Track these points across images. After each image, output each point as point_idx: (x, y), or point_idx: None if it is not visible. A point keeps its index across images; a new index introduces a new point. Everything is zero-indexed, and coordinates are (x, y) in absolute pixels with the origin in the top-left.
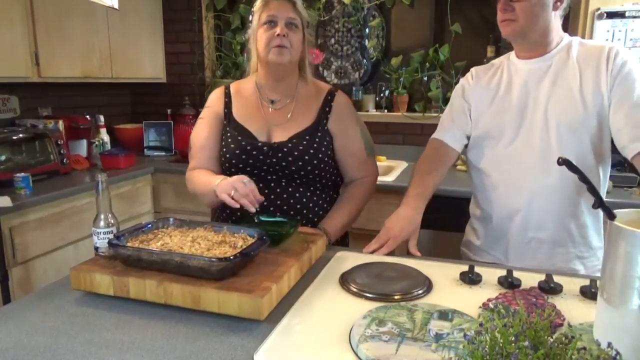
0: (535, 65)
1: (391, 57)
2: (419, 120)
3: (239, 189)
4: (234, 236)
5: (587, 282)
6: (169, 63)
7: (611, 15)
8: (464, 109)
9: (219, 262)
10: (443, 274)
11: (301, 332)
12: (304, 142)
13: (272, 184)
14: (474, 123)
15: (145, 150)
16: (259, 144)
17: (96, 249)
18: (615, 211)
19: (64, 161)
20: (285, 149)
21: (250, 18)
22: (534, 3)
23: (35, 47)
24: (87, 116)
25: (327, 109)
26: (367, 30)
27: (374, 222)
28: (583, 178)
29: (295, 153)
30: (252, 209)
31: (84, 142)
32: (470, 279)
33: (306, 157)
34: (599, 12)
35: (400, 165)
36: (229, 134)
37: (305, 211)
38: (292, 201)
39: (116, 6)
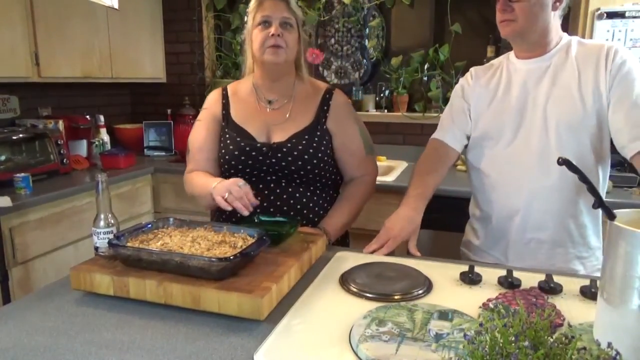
0: (535, 65)
1: (391, 57)
2: (419, 120)
3: (233, 192)
4: (234, 236)
5: (587, 282)
6: (169, 63)
7: (611, 15)
8: (464, 109)
9: (219, 262)
10: (443, 274)
11: (301, 332)
12: (303, 142)
13: (272, 185)
14: (473, 123)
15: (145, 150)
16: (258, 144)
17: (96, 249)
18: (615, 211)
19: (64, 161)
20: (284, 149)
21: (245, 19)
22: (533, 3)
23: (35, 47)
24: (87, 116)
25: (326, 107)
26: (367, 30)
27: (374, 222)
28: (583, 178)
29: (295, 153)
30: (245, 212)
31: (84, 142)
32: (470, 279)
33: (306, 157)
34: (599, 12)
35: (400, 165)
36: (227, 136)
37: (305, 211)
38: (292, 201)
39: (116, 6)
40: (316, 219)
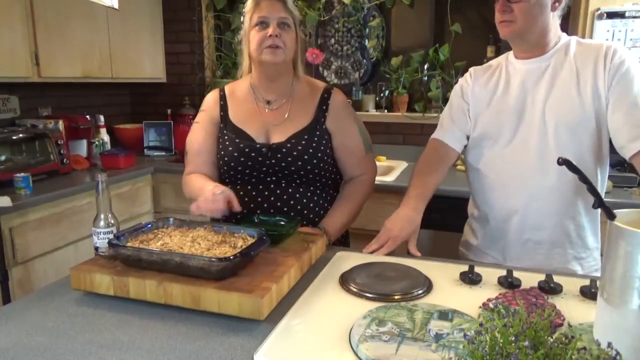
0: (533, 66)
1: (391, 57)
2: (419, 120)
3: (199, 203)
4: (234, 236)
5: (587, 282)
6: (169, 63)
7: (611, 15)
8: (463, 109)
9: (219, 262)
10: (443, 274)
11: (301, 332)
12: (303, 142)
13: (272, 185)
14: (472, 123)
15: (145, 150)
16: (257, 145)
17: (96, 249)
18: (615, 211)
19: (64, 161)
20: (284, 150)
21: (242, 19)
22: (533, 4)
23: (35, 47)
24: (87, 116)
25: (324, 107)
26: (367, 30)
27: (374, 222)
28: (583, 178)
29: (295, 153)
30: (215, 215)
31: (84, 142)
32: (470, 279)
33: (305, 157)
34: (599, 12)
35: (400, 165)
36: (226, 137)
37: (306, 211)
38: (292, 202)
39: (116, 6)
40: (316, 219)
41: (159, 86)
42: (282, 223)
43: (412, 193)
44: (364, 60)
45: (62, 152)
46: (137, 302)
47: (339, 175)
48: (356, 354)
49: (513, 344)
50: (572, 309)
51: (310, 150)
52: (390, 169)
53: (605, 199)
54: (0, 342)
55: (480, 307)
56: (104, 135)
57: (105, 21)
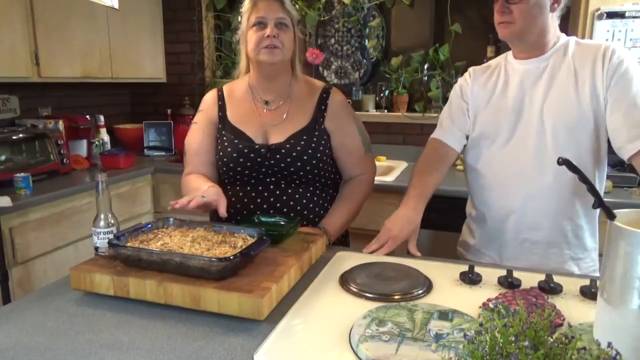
0: (532, 66)
1: (391, 57)
2: (419, 120)
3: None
4: (234, 236)
5: (587, 282)
6: (169, 63)
7: (611, 15)
8: (463, 109)
9: (219, 262)
10: (443, 274)
11: (301, 332)
12: (302, 143)
13: (272, 186)
14: (471, 123)
15: (145, 150)
16: (256, 146)
17: (96, 249)
18: (615, 211)
19: (64, 161)
20: (283, 150)
21: (239, 19)
22: (532, 5)
23: (35, 47)
24: (87, 116)
25: (323, 107)
26: (367, 30)
27: (374, 222)
28: (583, 178)
29: (294, 154)
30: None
31: (84, 142)
32: (470, 279)
33: (305, 158)
34: (599, 12)
35: (400, 165)
36: (225, 138)
37: (306, 212)
38: (292, 203)
39: (116, 6)
40: (316, 219)
41: (159, 86)
42: (282, 223)
43: (412, 193)
44: (364, 60)
45: (62, 152)
46: (137, 302)
47: (338, 175)
48: (356, 354)
49: (513, 344)
50: (572, 309)
51: (309, 151)
52: (390, 169)
53: (605, 199)
54: (0, 342)
55: (480, 307)
56: (104, 135)
57: (105, 21)
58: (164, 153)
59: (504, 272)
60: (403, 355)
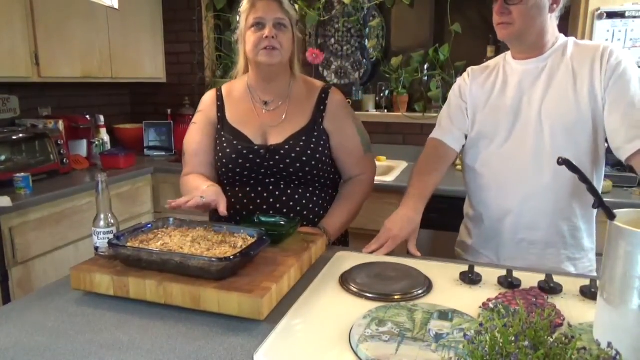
0: (531, 66)
1: (391, 57)
2: (419, 120)
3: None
4: (234, 236)
5: (587, 282)
6: (169, 63)
7: (611, 15)
8: (462, 109)
9: (219, 262)
10: (443, 274)
11: (301, 332)
12: (301, 143)
13: (271, 187)
14: (470, 123)
15: (145, 150)
16: (256, 147)
17: (96, 249)
18: (615, 211)
19: (64, 161)
20: (282, 151)
21: (237, 19)
22: (531, 6)
23: (35, 47)
24: (87, 116)
25: (322, 107)
26: (367, 30)
27: (374, 222)
28: (583, 178)
29: (293, 155)
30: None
31: (84, 142)
32: (470, 279)
33: (304, 158)
34: (599, 12)
35: (400, 165)
36: (224, 139)
37: (305, 212)
38: (291, 203)
39: (116, 6)
40: (316, 220)
41: (159, 86)
42: (282, 223)
43: (412, 193)
44: (364, 60)
45: (62, 152)
46: (137, 302)
47: (338, 175)
48: (356, 354)
49: (513, 344)
50: (572, 309)
51: (309, 152)
52: (390, 169)
53: (605, 199)
54: (0, 342)
55: (480, 307)
56: (104, 135)
57: (105, 21)
58: (164, 153)
59: (504, 272)
60: (403, 355)
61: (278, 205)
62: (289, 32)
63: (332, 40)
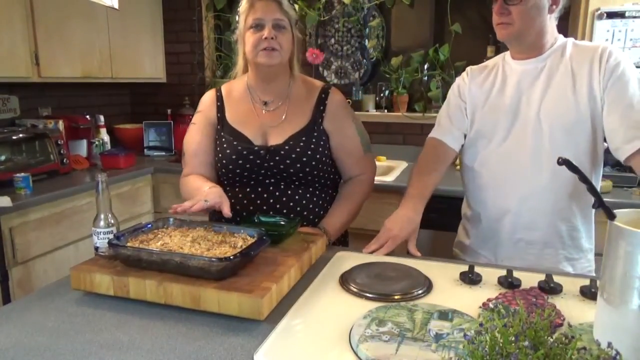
0: (530, 66)
1: (391, 57)
2: (419, 120)
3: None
4: (234, 236)
5: (587, 282)
6: (169, 63)
7: (611, 15)
8: (461, 108)
9: (219, 262)
10: (443, 274)
11: (301, 332)
12: (301, 144)
13: (271, 188)
14: (469, 122)
15: (145, 150)
16: (256, 147)
17: (96, 249)
18: (615, 211)
19: (64, 161)
20: (282, 152)
21: (237, 19)
22: (530, 7)
23: (35, 47)
24: (87, 116)
25: (322, 107)
26: (367, 30)
27: (373, 222)
28: (583, 178)
29: (293, 155)
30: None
31: (84, 142)
32: (470, 279)
33: (304, 159)
34: (599, 12)
35: (400, 165)
36: (224, 139)
37: (305, 212)
38: (291, 204)
39: (116, 6)
40: (316, 220)
41: (158, 86)
42: (282, 223)
43: (411, 193)
44: (364, 60)
45: (62, 152)
46: (137, 302)
47: (337, 175)
48: (356, 354)
49: (513, 344)
50: (572, 309)
51: (309, 152)
52: (390, 169)
53: (605, 199)
54: (0, 342)
55: (480, 307)
56: (104, 135)
57: (105, 21)
58: (164, 153)
59: (504, 272)
60: (403, 355)
61: (278, 206)
62: (288, 33)
63: (332, 40)
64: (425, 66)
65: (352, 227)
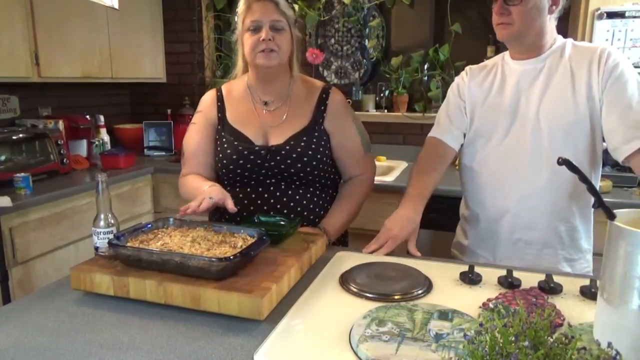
0: (529, 66)
1: (391, 57)
2: (419, 120)
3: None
4: (234, 236)
5: (587, 282)
6: (169, 63)
7: (611, 15)
8: (460, 107)
9: (219, 262)
10: (443, 274)
11: (301, 332)
12: (302, 144)
13: (272, 188)
14: (469, 122)
15: (145, 150)
16: (256, 147)
17: (96, 249)
18: (615, 211)
19: (64, 161)
20: (283, 152)
21: (235, 19)
22: (530, 7)
23: (35, 47)
24: (87, 116)
25: (322, 107)
26: (367, 30)
27: (373, 222)
28: (583, 178)
29: (294, 155)
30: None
31: (84, 142)
32: (470, 279)
33: (305, 159)
34: (599, 12)
35: (400, 165)
36: (224, 140)
37: (306, 212)
38: (292, 204)
39: (116, 6)
40: (316, 220)
41: (159, 86)
42: (282, 223)
43: (411, 193)
44: (364, 60)
45: (62, 152)
46: (137, 302)
47: (338, 175)
48: (356, 354)
49: (513, 344)
50: (572, 309)
51: (309, 152)
52: (390, 169)
53: (605, 199)
54: (0, 342)
55: (480, 307)
56: (104, 135)
57: (105, 21)
58: (164, 153)
59: (504, 272)
60: (403, 355)
61: (278, 206)
62: (286, 33)
63: (332, 40)
64: (425, 66)
65: (352, 227)
